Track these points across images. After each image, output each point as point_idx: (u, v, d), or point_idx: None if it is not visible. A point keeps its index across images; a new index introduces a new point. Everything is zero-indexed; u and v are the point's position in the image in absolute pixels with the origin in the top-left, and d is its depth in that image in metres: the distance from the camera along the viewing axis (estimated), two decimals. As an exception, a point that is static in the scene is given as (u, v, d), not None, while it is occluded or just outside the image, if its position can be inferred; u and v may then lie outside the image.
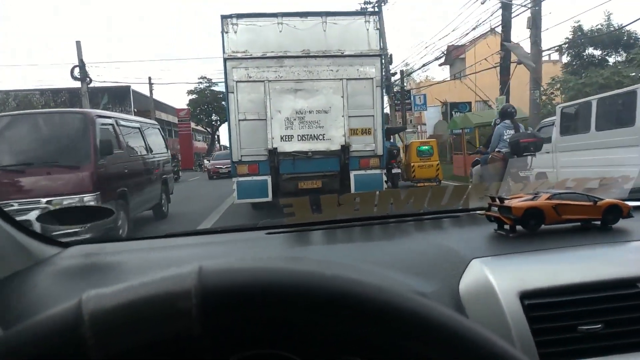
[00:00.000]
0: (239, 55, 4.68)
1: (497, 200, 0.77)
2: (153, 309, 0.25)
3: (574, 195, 0.77)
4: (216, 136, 38.08)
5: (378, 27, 4.80)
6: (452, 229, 0.90)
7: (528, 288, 0.56)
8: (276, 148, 4.69)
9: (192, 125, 30.60)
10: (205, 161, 19.77)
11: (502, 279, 0.58)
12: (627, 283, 0.58)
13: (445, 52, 18.89)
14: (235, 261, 0.27)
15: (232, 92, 4.72)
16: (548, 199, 0.74)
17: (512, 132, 4.48)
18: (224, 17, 4.70)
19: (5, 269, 0.66)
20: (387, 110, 14.41)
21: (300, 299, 0.25)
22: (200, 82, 30.79)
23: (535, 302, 0.55)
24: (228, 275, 0.26)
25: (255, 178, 4.68)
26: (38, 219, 0.85)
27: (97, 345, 0.24)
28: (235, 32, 4.68)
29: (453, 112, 14.52)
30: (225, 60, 4.67)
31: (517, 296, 0.56)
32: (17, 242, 0.71)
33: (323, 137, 4.77)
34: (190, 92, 30.91)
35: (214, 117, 32.13)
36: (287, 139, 4.73)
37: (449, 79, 23.52)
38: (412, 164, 8.14)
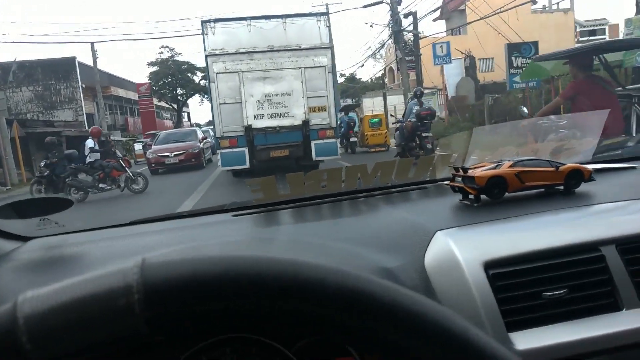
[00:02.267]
0: (217, 52, 7.43)
1: (460, 170, 0.90)
2: (92, 308, 0.28)
3: (536, 161, 0.89)
4: (184, 113, 40.06)
5: (327, 24, 7.60)
6: (419, 201, 1.05)
7: (492, 257, 0.65)
8: (250, 125, 7.47)
9: (155, 101, 32.06)
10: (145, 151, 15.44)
11: (466, 249, 0.67)
12: (589, 247, 0.67)
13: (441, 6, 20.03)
14: (182, 250, 0.33)
15: (214, 82, 7.50)
16: (511, 166, 0.86)
17: (418, 107, 7.59)
18: (203, 22, 7.44)
19: None
20: (394, 65, 16.21)
21: (245, 286, 0.29)
22: (162, 52, 32.39)
23: (500, 271, 0.64)
24: (172, 268, 0.29)
25: (235, 150, 7.49)
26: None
27: (34, 349, 0.27)
28: (214, 34, 7.43)
29: (513, 58, 12.46)
30: (206, 56, 7.41)
31: (482, 266, 0.64)
32: None
33: (288, 114, 7.58)
34: (151, 64, 32.72)
35: (179, 91, 34.09)
36: (259, 117, 7.53)
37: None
38: (365, 134, 12.17)
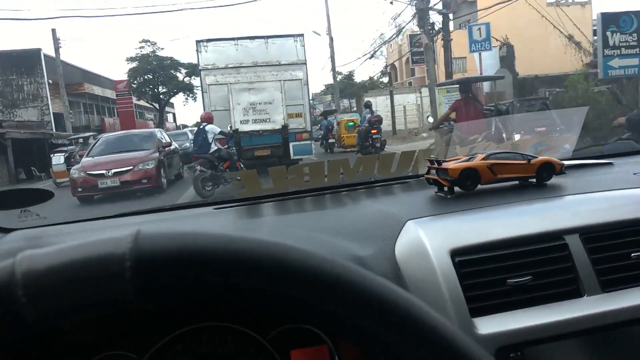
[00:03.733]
0: (209, 67, 10.34)
1: (435, 163, 1.06)
2: (86, 270, 0.33)
3: (509, 154, 1.05)
4: (170, 114, 41.37)
5: (303, 44, 10.52)
6: (399, 194, 1.24)
7: (459, 245, 0.76)
8: (237, 129, 10.31)
9: (135, 100, 33.52)
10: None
11: (434, 238, 0.78)
12: (554, 236, 0.78)
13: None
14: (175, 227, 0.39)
15: (206, 92, 10.39)
16: (483, 159, 1.02)
17: (369, 115, 11.07)
18: (198, 41, 10.36)
19: None
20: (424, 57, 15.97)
21: (232, 263, 0.36)
22: (143, 47, 33.83)
23: (466, 258, 0.75)
24: (164, 240, 0.35)
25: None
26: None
27: (29, 304, 0.32)
28: (206, 51, 10.35)
29: (609, 34, 10.22)
30: (200, 70, 10.31)
31: (448, 254, 0.75)
32: None
33: (269, 120, 10.43)
34: (130, 60, 33.94)
35: (161, 89, 35.50)
36: (245, 122, 10.39)
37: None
38: (342, 135, 15.98)
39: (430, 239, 0.79)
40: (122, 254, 0.34)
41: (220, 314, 0.69)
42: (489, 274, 0.75)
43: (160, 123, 36.82)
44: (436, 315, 0.37)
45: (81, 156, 11.14)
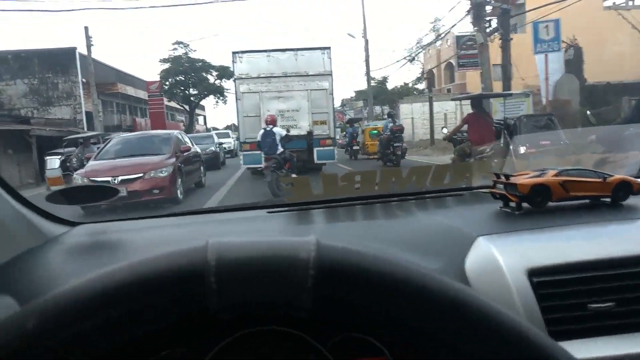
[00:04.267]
0: (243, 76, 12.03)
1: (502, 177, 1.06)
2: (273, 269, 0.36)
3: (582, 171, 1.04)
4: (201, 116, 44.32)
5: (329, 56, 12.09)
6: (455, 207, 1.26)
7: (536, 265, 0.77)
8: None
9: (166, 101, 35.48)
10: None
11: (509, 256, 0.79)
12: (638, 260, 0.77)
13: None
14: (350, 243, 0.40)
15: (240, 99, 12.07)
16: (555, 175, 1.02)
17: (391, 124, 12.59)
18: (234, 53, 12.08)
19: (17, 247, 0.95)
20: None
21: (408, 292, 0.37)
22: (175, 49, 36.44)
23: (544, 279, 0.76)
24: (343, 254, 0.38)
25: (254, 152, 11.91)
26: (47, 198, 1.17)
27: (218, 291, 0.35)
28: (241, 62, 12.05)
29: None
30: (235, 80, 12.02)
31: (525, 273, 0.76)
32: (27, 220, 1.03)
33: (296, 126, 12.00)
34: (163, 61, 36.69)
35: (192, 91, 37.90)
36: None
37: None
38: (366, 143, 17.51)
39: (505, 257, 0.80)
40: (305, 259, 0.36)
41: (282, 319, 0.71)
42: (569, 297, 0.76)
43: (190, 125, 39.37)
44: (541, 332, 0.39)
45: (79, 160, 11.35)
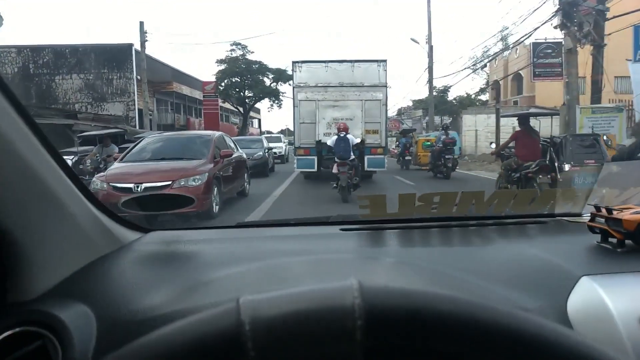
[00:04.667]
0: (302, 85, 13.73)
1: (603, 210, 1.02)
2: (316, 326, 0.35)
3: None
4: (255, 119, 46.61)
5: (385, 69, 13.62)
6: (539, 236, 1.26)
7: None
8: (320, 140, 13.56)
9: (220, 102, 37.56)
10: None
11: (619, 300, 0.77)
12: None
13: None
14: (396, 282, 0.53)
15: (297, 107, 13.79)
16: None
17: (444, 137, 14.01)
18: (294, 62, 13.84)
19: (92, 253, 1.01)
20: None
21: (465, 331, 0.36)
22: (233, 50, 37.85)
23: None
24: (391, 298, 0.37)
25: (307, 157, 13.59)
26: (123, 204, 2.87)
27: (257, 357, 0.34)
28: (300, 71, 13.77)
29: None
30: (293, 88, 13.76)
31: (638, 321, 0.74)
32: (103, 225, 1.08)
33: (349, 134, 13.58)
34: (220, 62, 38.16)
35: (247, 93, 39.31)
36: (327, 135, 13.58)
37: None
38: (418, 154, 19.00)
39: (614, 301, 0.77)
40: (350, 309, 0.35)
41: None
42: None
43: (244, 127, 41.39)
44: None
45: (94, 162, 10.86)
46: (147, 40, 26.35)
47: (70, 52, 29.89)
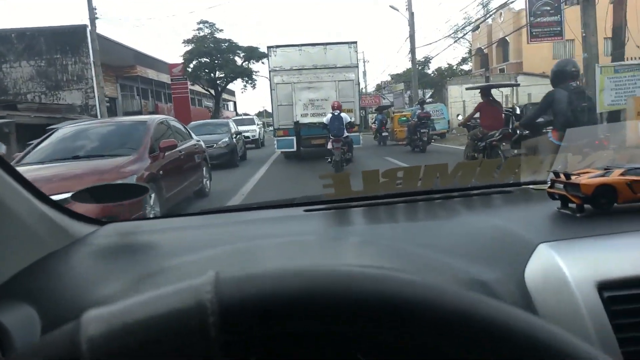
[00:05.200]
0: (277, 69, 16.03)
1: (562, 175, 1.11)
2: (162, 330, 0.36)
3: None
4: (230, 102, 47.76)
5: (356, 50, 15.95)
6: (504, 206, 1.37)
7: (607, 277, 0.80)
8: (298, 121, 15.92)
9: (191, 86, 38.08)
10: None
11: (575, 266, 0.83)
12: None
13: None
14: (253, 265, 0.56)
15: (274, 90, 16.15)
16: (622, 174, 1.08)
17: (419, 111, 16.86)
18: (269, 47, 16.14)
19: (41, 249, 1.04)
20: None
21: (336, 305, 0.38)
22: (200, 29, 38.97)
23: (617, 294, 0.79)
24: (250, 283, 0.38)
25: (286, 138, 15.98)
26: (73, 197, 1.25)
27: None
28: (275, 56, 16.08)
29: None
30: (270, 72, 16.11)
31: (595, 286, 0.80)
32: (52, 221, 1.11)
33: (325, 114, 15.87)
34: (187, 42, 39.13)
35: (217, 74, 40.14)
36: (304, 116, 15.96)
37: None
38: (395, 129, 21.56)
39: (571, 268, 0.83)
40: (202, 307, 0.37)
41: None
42: None
43: (216, 111, 42.12)
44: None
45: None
46: (97, 18, 25.17)
47: (17, 36, 29.05)
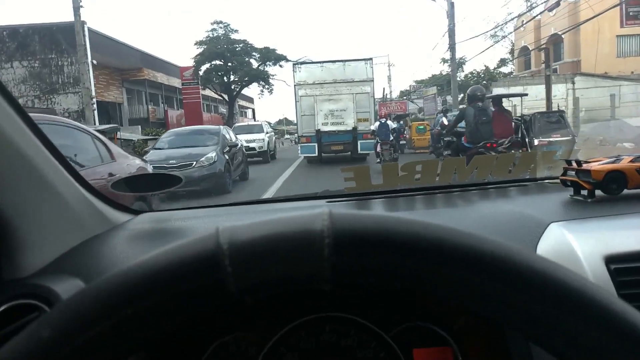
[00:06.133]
0: (302, 83, 23.36)
1: (574, 163, 1.43)
2: (287, 245, 0.51)
3: None
4: (249, 109, 50.78)
5: (371, 66, 23.13)
6: (521, 197, 1.72)
7: (614, 252, 1.05)
8: (319, 129, 23.01)
9: (202, 91, 41.72)
10: None
11: (584, 242, 1.08)
12: None
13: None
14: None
15: (298, 102, 23.50)
16: (631, 161, 1.39)
17: (442, 119, 22.74)
18: (294, 64, 23.43)
19: (84, 233, 1.38)
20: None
21: (430, 249, 0.51)
22: (214, 30, 43.71)
23: (623, 266, 1.03)
24: (358, 220, 0.52)
25: (309, 144, 23.07)
26: (112, 186, 1.63)
27: (234, 273, 0.50)
28: (299, 72, 23.42)
29: None
30: (295, 85, 23.47)
31: (602, 260, 1.04)
32: (95, 208, 1.47)
33: (343, 123, 23.03)
34: (199, 44, 43.20)
35: (232, 77, 44.53)
36: (325, 125, 23.13)
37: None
38: (413, 138, 28.28)
39: (580, 243, 1.09)
40: (319, 230, 0.51)
41: (344, 306, 1.09)
42: None
43: (230, 118, 45.96)
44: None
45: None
46: (81, 7, 26.14)
47: (9, 34, 30.56)
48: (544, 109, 22.41)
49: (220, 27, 45.18)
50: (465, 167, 1.89)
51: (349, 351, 1.11)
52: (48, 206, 1.29)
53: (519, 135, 13.33)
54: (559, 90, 29.18)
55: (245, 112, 61.58)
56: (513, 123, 13.18)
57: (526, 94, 21.86)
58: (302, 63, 23.32)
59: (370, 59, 22.93)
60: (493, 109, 12.12)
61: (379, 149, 18.62)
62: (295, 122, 23.76)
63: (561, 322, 0.50)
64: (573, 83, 30.69)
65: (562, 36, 39.48)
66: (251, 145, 24.76)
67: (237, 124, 30.71)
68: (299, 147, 23.69)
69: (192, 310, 0.53)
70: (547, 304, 0.51)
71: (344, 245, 0.51)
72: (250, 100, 57.90)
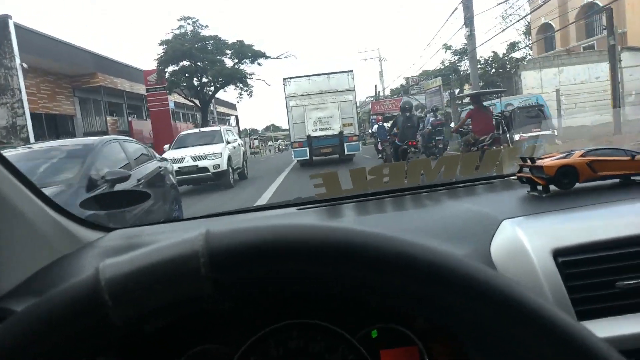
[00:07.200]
0: (292, 95, 41.47)
1: (528, 160, 2.17)
2: (164, 271, 0.77)
3: (610, 150, 2.05)
4: (232, 116, 57.37)
5: (353, 77, 41.31)
6: (485, 194, 2.56)
7: (561, 245, 1.56)
8: (309, 134, 40.32)
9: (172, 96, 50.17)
10: None
11: (534, 237, 1.60)
12: None
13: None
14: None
15: (290, 112, 41.87)
16: (582, 155, 2.03)
17: (433, 119, 39.31)
18: (285, 79, 41.82)
19: (53, 253, 1.88)
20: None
21: (302, 251, 0.77)
22: (182, 27, 51.42)
23: (570, 259, 1.53)
24: (232, 235, 0.79)
25: (301, 148, 40.50)
26: (81, 204, 2.93)
27: (115, 307, 0.76)
28: (289, 85, 41.63)
29: None
30: (286, 98, 41.81)
31: (551, 254, 1.54)
32: (63, 227, 2.02)
33: (330, 128, 40.49)
34: (164, 43, 50.23)
35: (203, 79, 52.01)
36: (314, 130, 40.59)
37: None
38: None
39: (530, 239, 1.55)
40: (194, 252, 0.74)
41: (310, 312, 1.48)
42: (596, 276, 1.48)
43: (203, 126, 46.88)
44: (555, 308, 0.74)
45: None
46: None
47: None
48: (607, 90, 29.07)
49: (188, 24, 53.38)
50: (432, 168, 2.73)
51: (317, 356, 1.58)
52: (13, 229, 1.76)
53: (500, 132, 18.09)
54: (602, 69, 34.79)
55: (228, 120, 70.40)
56: (494, 119, 17.94)
57: (504, 90, 30.52)
58: (291, 78, 38.16)
59: (351, 71, 38.59)
60: (473, 107, 17.02)
61: (380, 147, 29.91)
62: (284, 128, 38.57)
63: (449, 303, 0.79)
64: (620, 60, 33.81)
65: (600, 4, 44.74)
66: (201, 164, 24.38)
67: (182, 133, 30.00)
68: (293, 152, 38.44)
69: (91, 347, 0.79)
70: (393, 276, 0.79)
71: (220, 261, 0.76)
72: (232, 106, 67.37)
